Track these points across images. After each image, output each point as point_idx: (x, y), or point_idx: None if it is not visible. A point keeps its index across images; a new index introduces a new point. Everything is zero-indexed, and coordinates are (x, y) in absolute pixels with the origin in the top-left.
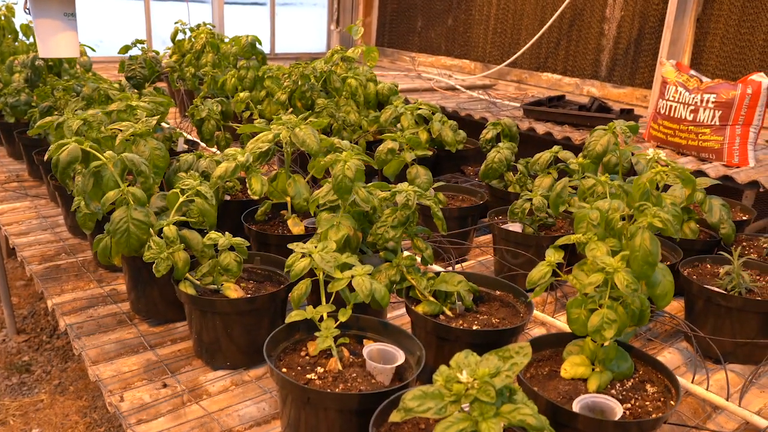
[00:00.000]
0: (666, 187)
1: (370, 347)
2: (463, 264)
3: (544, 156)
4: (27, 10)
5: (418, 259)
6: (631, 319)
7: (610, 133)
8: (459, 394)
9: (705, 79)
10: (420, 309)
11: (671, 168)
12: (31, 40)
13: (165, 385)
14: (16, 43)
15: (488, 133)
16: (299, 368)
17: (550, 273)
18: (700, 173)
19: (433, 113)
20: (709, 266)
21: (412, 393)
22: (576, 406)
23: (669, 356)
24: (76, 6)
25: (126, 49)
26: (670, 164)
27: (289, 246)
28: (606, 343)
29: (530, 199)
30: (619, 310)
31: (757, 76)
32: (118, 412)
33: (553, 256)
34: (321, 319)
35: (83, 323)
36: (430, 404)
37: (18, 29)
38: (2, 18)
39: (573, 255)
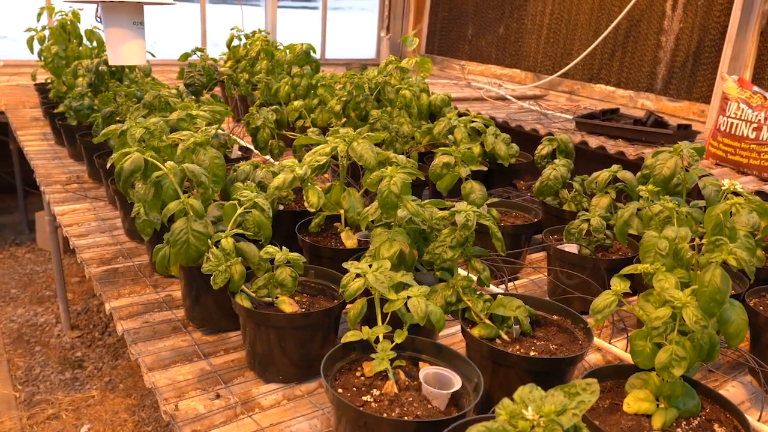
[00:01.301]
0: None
1: (426, 371)
2: (516, 282)
3: (603, 175)
4: (98, 19)
5: (474, 278)
6: (699, 354)
7: (677, 155)
8: None
9: None
10: (476, 332)
11: (747, 200)
12: (95, 44)
13: (218, 396)
14: (81, 48)
15: (544, 149)
16: (354, 389)
17: (616, 302)
18: (761, 194)
19: (487, 126)
20: None
21: (476, 429)
22: None
23: (732, 390)
24: (144, 15)
25: (186, 56)
26: (746, 195)
27: (344, 265)
28: (674, 380)
29: (587, 220)
30: (687, 346)
31: None
32: (173, 421)
33: (619, 285)
34: (377, 339)
35: (139, 329)
36: None
37: (82, 34)
38: (68, 23)
39: (635, 281)
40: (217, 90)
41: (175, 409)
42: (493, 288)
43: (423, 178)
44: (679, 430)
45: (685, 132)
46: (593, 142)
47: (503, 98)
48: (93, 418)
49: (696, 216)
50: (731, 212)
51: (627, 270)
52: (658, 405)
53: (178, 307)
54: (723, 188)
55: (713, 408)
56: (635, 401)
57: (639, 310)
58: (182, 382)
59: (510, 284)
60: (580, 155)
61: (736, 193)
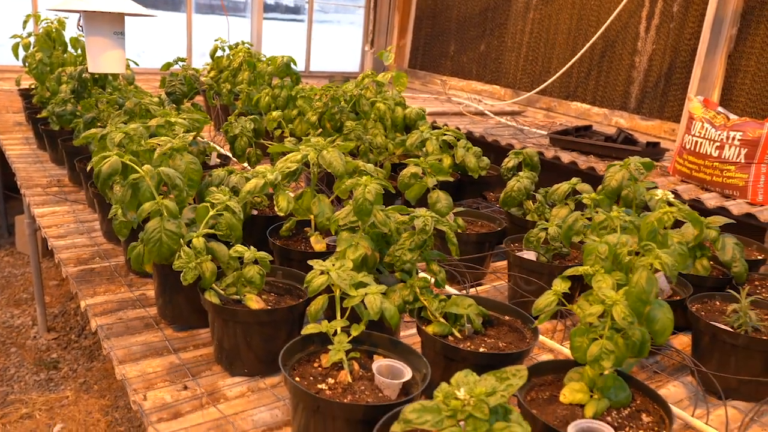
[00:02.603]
0: (681, 223)
1: (379, 362)
2: (478, 288)
3: (563, 187)
4: (80, 28)
5: (432, 280)
6: (631, 350)
7: (625, 169)
8: (456, 410)
9: (732, 116)
10: (430, 329)
11: (679, 209)
12: (79, 52)
13: (186, 387)
14: (65, 55)
15: (510, 162)
16: (311, 378)
17: (556, 302)
18: (723, 210)
19: (458, 139)
20: (718, 303)
21: (412, 406)
22: (571, 430)
23: (673, 389)
24: (125, 25)
25: (168, 66)
26: (678, 205)
27: (309, 262)
28: (606, 372)
29: (545, 229)
30: (619, 342)
31: None
32: (141, 409)
33: (559, 285)
34: (335, 332)
35: (113, 325)
36: (427, 417)
37: (67, 42)
38: (54, 31)
39: (584, 286)
40: (201, 99)
41: (144, 399)
42: (452, 290)
43: (392, 189)
44: (609, 418)
45: (654, 149)
46: (566, 157)
47: (482, 114)
48: (66, 418)
49: (637, 224)
50: (665, 223)
51: (569, 272)
52: (592, 396)
53: (152, 305)
54: (657, 198)
55: (643, 400)
56: (571, 392)
57: (577, 309)
58: (151, 374)
59: (472, 290)
60: (553, 170)
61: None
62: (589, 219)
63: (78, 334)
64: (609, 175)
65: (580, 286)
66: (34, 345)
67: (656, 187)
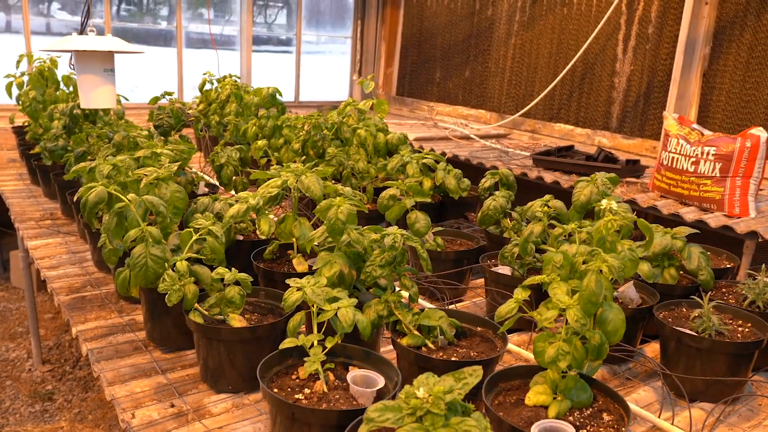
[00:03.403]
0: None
1: (354, 373)
2: (458, 305)
3: (536, 204)
4: (72, 66)
5: (406, 295)
6: (591, 353)
7: (592, 184)
8: (415, 407)
9: (706, 132)
10: (404, 341)
11: (621, 217)
12: (71, 89)
13: (172, 405)
14: (58, 93)
15: (486, 182)
16: (289, 389)
17: (517, 309)
18: (701, 223)
19: (438, 162)
20: (684, 310)
21: (375, 406)
22: (534, 430)
23: (644, 394)
24: (114, 63)
25: (155, 100)
26: (620, 213)
27: (287, 281)
28: (571, 373)
29: (518, 244)
30: (577, 344)
31: (756, 130)
32: (129, 427)
33: (520, 294)
34: (312, 345)
35: (103, 349)
36: (389, 415)
37: (59, 80)
38: (46, 70)
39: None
40: (190, 131)
41: (132, 417)
42: (427, 304)
43: (366, 210)
44: (571, 418)
45: (634, 167)
46: (549, 177)
47: (468, 137)
48: None
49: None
50: (618, 229)
51: (528, 281)
52: (555, 398)
53: (141, 330)
54: (601, 207)
55: (605, 400)
56: (535, 395)
57: (537, 314)
58: (139, 394)
59: (452, 306)
60: (536, 189)
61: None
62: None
63: (73, 365)
64: (578, 191)
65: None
66: (29, 377)
67: (621, 201)
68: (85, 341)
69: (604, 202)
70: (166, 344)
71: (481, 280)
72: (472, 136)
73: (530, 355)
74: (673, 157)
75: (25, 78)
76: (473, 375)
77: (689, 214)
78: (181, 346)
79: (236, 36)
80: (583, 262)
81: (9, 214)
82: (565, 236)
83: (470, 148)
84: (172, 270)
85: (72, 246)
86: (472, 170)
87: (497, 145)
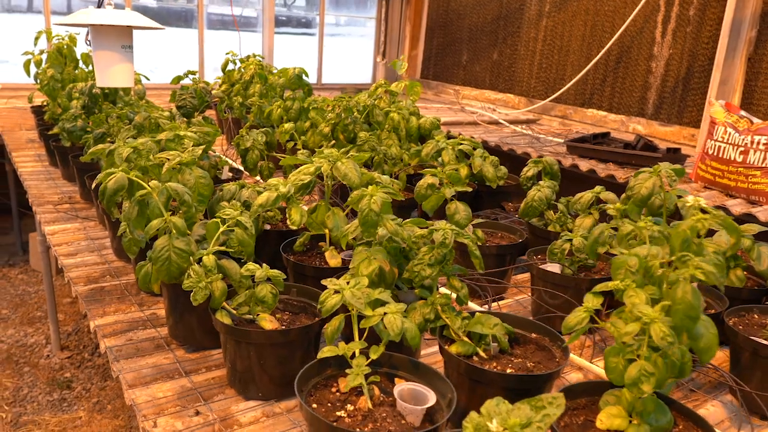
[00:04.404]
0: (712, 232)
1: (401, 387)
2: (500, 303)
3: (586, 196)
4: (88, 42)
5: (454, 296)
6: (671, 370)
7: (655, 175)
8: None
9: (756, 120)
10: (453, 349)
11: (712, 216)
12: (91, 68)
13: (197, 413)
14: (77, 71)
15: (529, 171)
16: (329, 404)
17: (588, 319)
18: (749, 216)
19: (475, 148)
20: (756, 316)
21: None
22: None
23: (712, 409)
24: (133, 39)
25: (178, 79)
26: (712, 212)
27: (323, 282)
28: (644, 395)
29: (570, 240)
30: (658, 362)
31: None
32: None
33: (591, 302)
34: (353, 355)
35: (122, 346)
36: None
37: (78, 58)
38: (65, 47)
39: (614, 299)
40: (212, 113)
41: (154, 425)
42: (474, 306)
43: (402, 198)
44: None
45: (675, 155)
46: (584, 165)
47: (496, 122)
48: None
49: (669, 235)
50: (698, 230)
51: (599, 287)
52: (631, 421)
53: (163, 325)
54: (688, 204)
55: (686, 424)
56: (608, 417)
57: (611, 327)
58: (162, 399)
59: (495, 304)
60: (571, 178)
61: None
62: (615, 229)
63: (91, 352)
64: (638, 183)
65: (608, 300)
66: (48, 364)
67: (686, 195)
68: (104, 337)
69: (690, 198)
70: (190, 343)
71: (522, 276)
72: (501, 121)
73: (585, 363)
74: (719, 146)
75: (44, 56)
76: (554, 404)
77: (736, 206)
78: (207, 346)
79: (255, 17)
80: (661, 266)
81: (27, 196)
82: (633, 236)
83: (500, 134)
84: (198, 264)
85: (90, 232)
86: (503, 157)
87: (528, 131)
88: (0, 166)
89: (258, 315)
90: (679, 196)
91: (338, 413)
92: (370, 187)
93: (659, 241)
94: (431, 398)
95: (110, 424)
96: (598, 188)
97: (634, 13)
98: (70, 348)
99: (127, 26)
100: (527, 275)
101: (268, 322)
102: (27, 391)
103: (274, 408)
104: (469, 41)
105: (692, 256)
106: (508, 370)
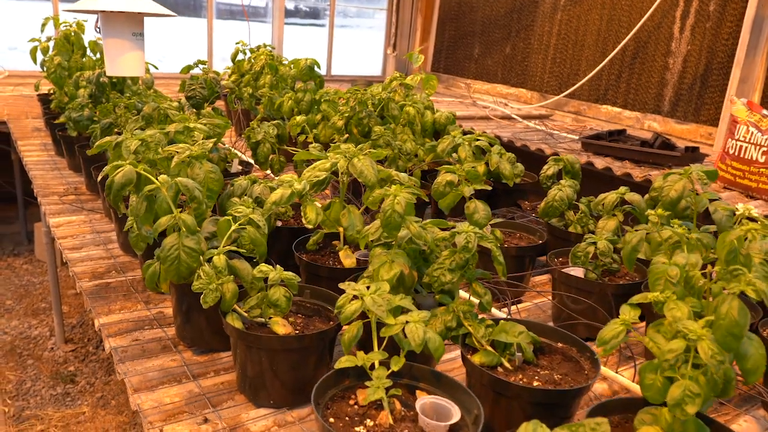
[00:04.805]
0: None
1: (423, 400)
2: (519, 306)
3: (610, 197)
4: (98, 29)
5: (476, 302)
6: (713, 389)
7: (686, 177)
8: None
9: None
10: (476, 359)
11: (764, 226)
12: (99, 56)
13: (206, 420)
14: (84, 59)
15: (549, 169)
16: (347, 418)
17: (625, 333)
18: None
19: (492, 145)
20: None
21: None
22: None
23: (745, 425)
24: (144, 26)
25: (188, 68)
26: (762, 221)
27: (341, 286)
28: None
29: (594, 243)
30: (701, 381)
31: None
32: None
33: (628, 314)
34: (372, 366)
35: (128, 347)
36: None
37: (86, 45)
38: (72, 34)
39: (643, 307)
40: (221, 104)
41: None
42: (496, 312)
43: (425, 198)
44: None
45: (693, 155)
46: (599, 163)
47: (509, 117)
48: None
49: (706, 242)
50: (745, 239)
51: (637, 299)
52: None
53: (170, 325)
54: (737, 213)
55: None
56: None
57: (649, 342)
58: (169, 405)
59: (513, 308)
60: (585, 176)
61: (751, 219)
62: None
63: (96, 346)
64: (667, 185)
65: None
66: (51, 357)
67: (719, 199)
68: (109, 337)
69: (740, 206)
70: (198, 344)
71: (539, 278)
72: (514, 116)
73: (610, 373)
74: (741, 146)
75: (51, 43)
76: (598, 431)
77: (758, 208)
78: (215, 348)
79: (264, 7)
80: (703, 277)
81: (32, 186)
82: (673, 242)
83: (512, 129)
84: (208, 264)
85: (96, 225)
86: (516, 153)
87: (541, 127)
88: (6, 154)
89: (270, 318)
90: (712, 200)
91: (357, 429)
92: (393, 186)
93: (696, 248)
94: (455, 413)
95: (114, 421)
96: (623, 189)
97: (653, 8)
98: (74, 341)
99: (138, 13)
100: (545, 277)
101: (281, 327)
102: (30, 384)
103: (286, 416)
104: (482, 34)
105: (744, 270)
106: (535, 383)
